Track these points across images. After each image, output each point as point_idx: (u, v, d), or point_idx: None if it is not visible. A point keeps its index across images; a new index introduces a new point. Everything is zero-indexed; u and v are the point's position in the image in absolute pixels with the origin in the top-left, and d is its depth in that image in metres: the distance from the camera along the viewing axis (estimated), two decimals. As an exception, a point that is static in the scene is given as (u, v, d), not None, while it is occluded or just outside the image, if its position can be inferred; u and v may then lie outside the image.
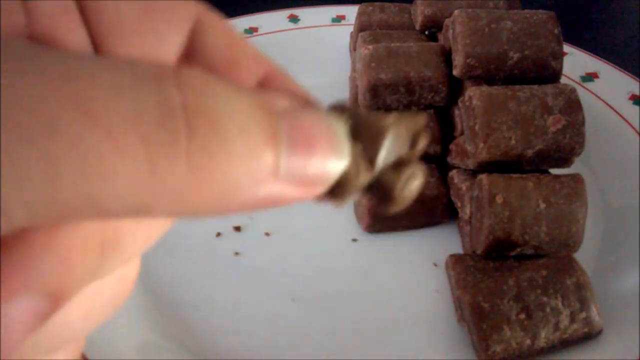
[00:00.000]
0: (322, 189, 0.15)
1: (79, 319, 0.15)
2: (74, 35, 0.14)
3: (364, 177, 0.16)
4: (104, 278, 0.14)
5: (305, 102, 0.17)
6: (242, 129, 0.13)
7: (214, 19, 0.17)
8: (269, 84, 0.17)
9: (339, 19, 0.64)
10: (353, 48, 0.55)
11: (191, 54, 0.17)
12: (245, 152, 0.13)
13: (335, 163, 0.15)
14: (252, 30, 0.62)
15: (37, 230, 0.12)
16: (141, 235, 0.15)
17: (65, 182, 0.11)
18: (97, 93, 0.11)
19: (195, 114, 0.12)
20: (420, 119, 0.18)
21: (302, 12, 0.65)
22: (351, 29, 0.59)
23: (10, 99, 0.11)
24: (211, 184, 0.12)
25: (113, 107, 0.11)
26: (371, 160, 0.16)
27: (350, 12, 0.62)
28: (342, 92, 0.55)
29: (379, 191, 0.17)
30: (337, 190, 0.16)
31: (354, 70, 0.51)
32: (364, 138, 0.16)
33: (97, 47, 0.15)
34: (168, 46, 0.16)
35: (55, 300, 0.12)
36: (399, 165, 0.17)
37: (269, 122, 0.13)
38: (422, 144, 0.18)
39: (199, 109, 0.12)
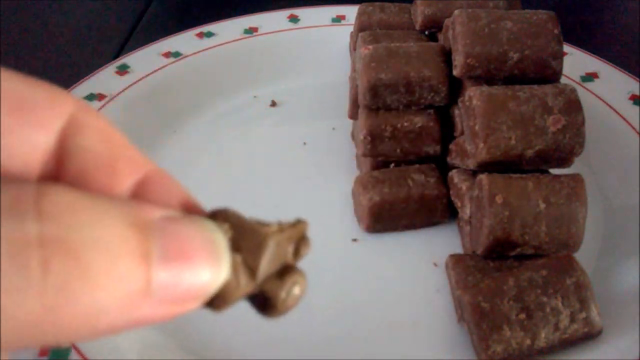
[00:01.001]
0: (198, 303, 0.15)
1: None
2: None
3: (245, 287, 0.16)
4: None
5: (187, 208, 0.16)
6: (107, 255, 0.12)
7: (92, 117, 0.16)
8: (148, 187, 0.16)
9: (339, 19, 0.64)
10: (353, 48, 0.55)
11: (64, 154, 0.15)
12: (111, 277, 0.12)
13: (213, 276, 0.14)
14: (252, 30, 0.62)
15: None
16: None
17: None
18: None
19: (53, 246, 0.11)
20: (302, 226, 0.18)
21: (302, 12, 0.64)
22: (351, 29, 0.59)
23: None
24: (72, 318, 0.12)
25: None
26: (252, 269, 0.16)
27: (350, 12, 0.62)
28: (342, 92, 0.55)
29: (262, 299, 0.18)
30: (216, 301, 0.16)
31: (354, 70, 0.51)
32: (245, 247, 0.16)
33: None
34: (34, 146, 0.15)
35: None
36: (281, 272, 0.17)
37: (139, 240, 0.13)
38: (305, 251, 0.18)
39: (57, 240, 0.11)
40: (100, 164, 0.16)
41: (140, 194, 0.16)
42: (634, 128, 0.50)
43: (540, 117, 0.37)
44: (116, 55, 0.64)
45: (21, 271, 0.11)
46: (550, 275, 0.35)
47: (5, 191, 0.12)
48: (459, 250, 0.43)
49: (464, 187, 0.41)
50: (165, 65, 0.57)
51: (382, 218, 0.44)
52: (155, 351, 0.37)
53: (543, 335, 0.33)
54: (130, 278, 0.12)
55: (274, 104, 0.57)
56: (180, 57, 0.58)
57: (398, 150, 0.45)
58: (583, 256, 0.37)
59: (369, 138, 0.44)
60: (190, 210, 0.16)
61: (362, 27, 0.53)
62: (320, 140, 0.54)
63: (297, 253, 0.18)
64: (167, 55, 0.59)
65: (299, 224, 0.18)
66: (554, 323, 0.34)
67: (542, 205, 0.36)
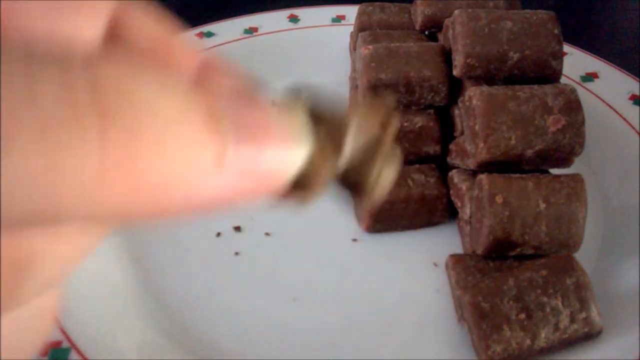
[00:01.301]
0: (281, 181, 0.13)
1: None
2: None
3: (332, 167, 0.14)
4: (16, 310, 0.12)
5: (254, 90, 0.14)
6: (174, 114, 0.11)
7: (139, 10, 0.15)
8: (207, 77, 0.15)
9: (339, 19, 0.64)
10: (353, 48, 0.55)
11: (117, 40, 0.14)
12: (178, 140, 0.11)
13: (293, 151, 0.13)
14: (252, 30, 0.62)
15: None
16: (61, 256, 0.12)
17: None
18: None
19: (108, 95, 0.10)
20: (388, 99, 0.16)
21: (302, 12, 0.64)
22: (351, 29, 0.59)
23: None
24: (136, 176, 0.10)
25: (3, 95, 0.09)
26: (337, 146, 0.14)
27: (350, 12, 0.62)
28: (342, 92, 0.55)
29: (351, 183, 0.15)
30: (302, 184, 0.13)
31: (354, 70, 0.51)
32: (328, 123, 0.14)
33: None
34: (81, 42, 0.13)
35: None
36: (370, 153, 0.15)
37: (209, 108, 0.11)
38: (394, 125, 0.16)
39: (112, 89, 0.10)
40: (154, 52, 0.15)
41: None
42: (634, 128, 0.50)
43: (540, 117, 0.37)
44: (116, 55, 0.64)
45: (74, 121, 0.09)
46: (550, 275, 0.35)
47: (47, 48, 0.10)
48: (459, 250, 0.43)
49: (464, 187, 0.41)
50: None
51: (382, 218, 0.44)
52: (155, 351, 0.37)
53: (543, 335, 0.33)
54: (200, 145, 0.11)
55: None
56: (180, 57, 0.58)
57: (398, 150, 0.45)
58: (583, 256, 0.37)
59: (369, 138, 0.44)
60: (259, 92, 0.14)
61: (362, 27, 0.53)
62: (320, 140, 0.53)
63: (385, 126, 0.15)
64: (167, 55, 0.58)
65: (383, 97, 0.16)
66: (554, 323, 0.34)
67: (542, 205, 0.36)
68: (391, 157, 0.15)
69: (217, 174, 0.11)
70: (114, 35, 0.14)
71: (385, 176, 0.15)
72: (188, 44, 0.15)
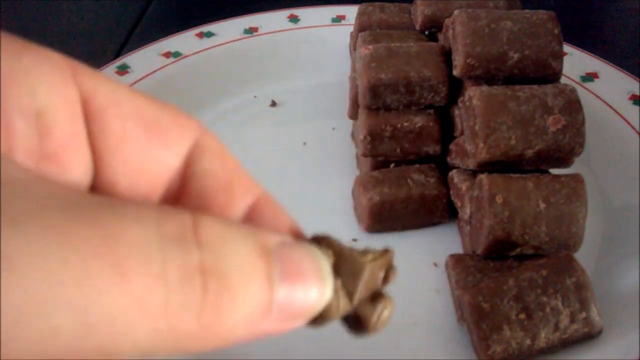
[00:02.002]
0: (306, 320, 0.16)
1: None
2: (80, 154, 0.15)
3: (343, 309, 0.18)
4: None
5: (293, 232, 0.18)
6: (245, 279, 0.14)
7: (212, 141, 0.17)
8: (260, 210, 0.18)
9: (339, 19, 0.64)
10: (353, 48, 0.55)
11: (188, 175, 0.17)
12: (245, 299, 0.14)
13: (320, 296, 0.16)
14: (252, 30, 0.62)
15: None
16: None
17: (87, 331, 0.11)
18: (128, 250, 0.12)
19: (211, 275, 0.13)
20: (390, 255, 0.20)
21: (302, 12, 0.64)
22: (351, 29, 0.59)
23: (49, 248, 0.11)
24: (216, 333, 0.14)
25: (142, 266, 0.12)
26: (350, 293, 0.18)
27: (350, 12, 0.62)
28: (342, 92, 0.55)
29: (354, 320, 0.19)
30: (318, 320, 0.17)
31: (354, 70, 0.51)
32: (344, 273, 0.18)
33: (97, 161, 0.16)
34: (164, 166, 0.17)
35: None
36: (373, 297, 0.19)
37: (266, 265, 0.14)
38: (393, 278, 0.20)
39: (214, 269, 0.14)
40: (219, 187, 0.17)
41: (253, 217, 0.18)
42: (634, 128, 0.50)
43: (540, 117, 0.37)
44: (116, 55, 0.64)
45: (188, 296, 0.13)
46: (550, 275, 0.35)
47: (169, 220, 0.13)
48: (459, 250, 0.43)
49: (464, 187, 0.41)
50: (165, 65, 0.57)
51: (382, 218, 0.44)
52: (155, 351, 0.37)
53: (543, 335, 0.33)
54: (258, 298, 0.14)
55: (274, 104, 0.57)
56: (180, 57, 0.58)
57: (398, 150, 0.45)
58: (583, 256, 0.37)
59: (369, 138, 0.44)
60: (295, 234, 0.18)
61: (362, 27, 0.53)
62: (320, 140, 0.54)
63: (386, 280, 0.20)
64: (167, 55, 0.59)
65: (387, 253, 0.20)
66: (554, 323, 0.34)
67: (542, 205, 0.36)
68: (389, 303, 0.20)
69: (266, 317, 0.15)
70: (191, 161, 0.17)
71: (383, 318, 0.20)
72: (249, 177, 0.18)
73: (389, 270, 0.20)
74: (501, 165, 0.38)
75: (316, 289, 0.16)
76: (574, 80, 0.55)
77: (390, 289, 0.44)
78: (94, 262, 0.11)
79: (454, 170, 0.43)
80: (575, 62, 0.56)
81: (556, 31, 0.40)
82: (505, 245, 0.36)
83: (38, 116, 0.14)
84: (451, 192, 0.43)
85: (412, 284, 0.41)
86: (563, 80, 0.42)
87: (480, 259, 0.38)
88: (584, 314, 0.34)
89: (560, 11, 0.44)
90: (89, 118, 0.15)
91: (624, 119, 0.51)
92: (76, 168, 0.15)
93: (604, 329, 0.35)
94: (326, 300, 0.16)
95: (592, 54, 0.58)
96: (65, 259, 0.11)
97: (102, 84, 0.15)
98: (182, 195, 0.17)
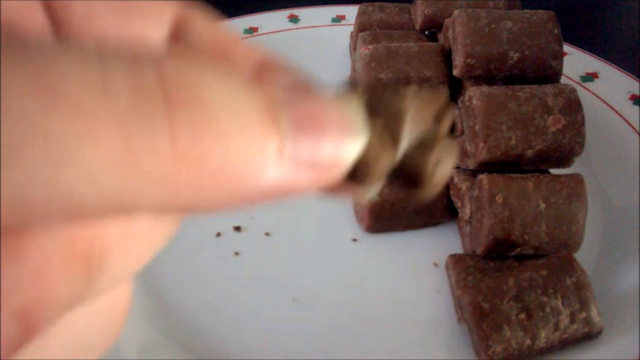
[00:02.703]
0: (338, 173, 0.13)
1: (61, 355, 0.12)
2: (35, 22, 0.13)
3: (388, 158, 0.14)
4: (88, 303, 0.12)
5: (308, 87, 0.14)
6: (235, 107, 0.11)
7: (198, 13, 0.16)
8: (264, 73, 0.16)
9: (339, 19, 0.64)
10: (353, 48, 0.55)
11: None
12: (241, 132, 0.11)
13: (349, 142, 0.13)
14: (252, 30, 0.62)
15: None
16: (133, 249, 0.12)
17: (26, 173, 0.09)
18: (62, 74, 0.10)
19: (176, 88, 0.10)
20: (442, 93, 0.16)
21: (302, 12, 0.65)
22: (351, 29, 0.59)
23: None
24: (203, 166, 0.11)
25: (79, 87, 0.10)
26: (394, 138, 0.14)
27: (350, 12, 0.62)
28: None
29: (407, 175, 0.15)
30: (358, 176, 0.14)
31: (354, 70, 0.51)
32: (383, 114, 0.14)
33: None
34: (147, 43, 0.14)
35: (28, 325, 0.10)
36: (425, 146, 0.15)
37: (269, 101, 0.12)
38: (449, 120, 0.15)
39: (179, 82, 0.10)
40: (214, 52, 0.15)
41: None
42: (634, 128, 0.50)
43: (540, 117, 0.37)
44: (116, 55, 0.64)
45: (147, 110, 0.10)
46: (550, 275, 0.34)
47: (117, 46, 0.11)
48: (459, 250, 0.43)
49: (464, 187, 0.41)
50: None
51: (382, 218, 0.44)
52: (155, 351, 0.37)
53: (543, 335, 0.33)
54: (262, 139, 0.11)
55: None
56: (180, 57, 0.58)
57: (398, 150, 0.45)
58: (583, 256, 0.37)
59: (369, 138, 0.44)
60: (313, 88, 0.14)
61: (362, 27, 0.53)
62: (320, 140, 0.53)
63: (441, 119, 0.15)
64: (167, 55, 0.59)
65: (437, 90, 0.16)
66: (554, 323, 0.34)
67: (542, 205, 0.36)
68: (447, 151, 0.15)
69: (278, 165, 0.12)
70: (177, 37, 0.15)
71: (441, 169, 0.15)
72: (247, 42, 0.16)
73: (442, 110, 0.15)
74: (501, 165, 0.38)
75: (342, 132, 0.13)
76: (574, 80, 0.55)
77: (390, 289, 0.44)
78: (20, 94, 0.09)
79: (454, 170, 0.43)
80: (575, 62, 0.56)
81: (556, 31, 0.40)
82: (505, 245, 0.36)
83: None
84: (451, 192, 0.43)
85: (412, 284, 0.41)
86: (563, 80, 0.42)
87: (480, 259, 0.38)
88: (584, 314, 0.34)
89: (560, 11, 0.44)
90: (50, 8, 0.13)
91: (624, 119, 0.51)
92: None
93: (604, 329, 0.35)
94: (359, 146, 0.13)
95: (592, 54, 0.58)
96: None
97: None
98: None
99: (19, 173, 0.09)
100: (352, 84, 0.15)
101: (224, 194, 0.11)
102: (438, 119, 0.15)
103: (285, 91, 0.12)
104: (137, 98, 0.10)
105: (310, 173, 0.12)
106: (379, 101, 0.14)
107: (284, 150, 0.12)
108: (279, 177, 0.12)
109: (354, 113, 0.13)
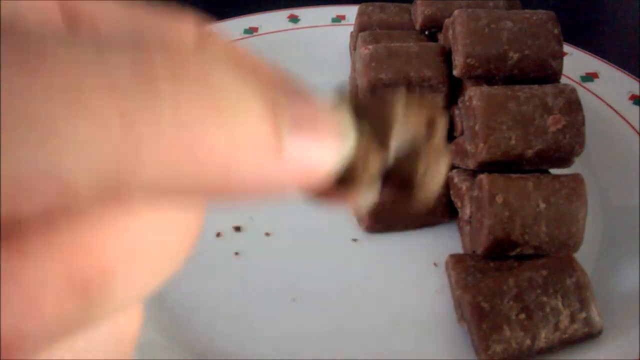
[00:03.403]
0: (325, 173, 0.13)
1: None
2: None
3: (377, 163, 0.14)
4: (88, 330, 0.12)
5: (304, 91, 0.14)
6: (240, 95, 0.11)
7: (215, 35, 0.16)
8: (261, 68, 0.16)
9: (339, 19, 0.64)
10: (353, 48, 0.55)
11: None
12: (244, 118, 0.11)
13: (338, 145, 0.13)
14: (252, 30, 0.62)
15: None
16: (141, 273, 0.12)
17: (15, 153, 0.08)
18: (54, 53, 0.09)
19: (181, 65, 0.10)
20: (435, 100, 0.15)
21: (302, 12, 0.64)
22: (351, 29, 0.59)
23: None
24: (203, 145, 0.10)
25: (70, 62, 0.09)
26: (383, 143, 0.14)
27: (350, 12, 0.62)
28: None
29: (399, 181, 0.15)
30: (348, 179, 0.14)
31: (354, 70, 0.51)
32: (373, 119, 0.14)
33: None
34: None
35: (11, 350, 0.09)
36: (417, 152, 0.15)
37: (270, 98, 0.12)
38: (441, 127, 0.16)
39: (185, 61, 0.10)
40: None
41: None
42: (634, 128, 0.50)
43: (540, 117, 0.37)
44: (116, 55, 0.64)
45: (147, 86, 0.10)
46: (550, 275, 0.34)
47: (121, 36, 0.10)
48: (459, 250, 0.43)
49: (464, 187, 0.41)
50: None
51: (382, 218, 0.44)
52: (156, 351, 0.37)
53: (543, 335, 0.33)
54: (261, 130, 0.11)
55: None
56: (180, 57, 0.58)
57: (398, 150, 0.45)
58: (583, 256, 0.37)
59: (369, 138, 0.44)
60: (305, 91, 0.15)
61: (362, 27, 0.53)
62: (320, 140, 0.53)
63: (432, 124, 0.15)
64: (167, 55, 0.58)
65: (428, 97, 0.16)
66: (554, 323, 0.34)
67: (542, 205, 0.36)
68: (440, 156, 0.15)
69: (274, 157, 0.12)
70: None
71: (433, 174, 0.15)
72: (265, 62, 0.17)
73: (434, 117, 0.15)
74: (501, 165, 0.38)
75: (331, 134, 0.13)
76: (574, 80, 0.55)
77: (390, 289, 0.44)
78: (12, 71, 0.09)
79: (454, 170, 0.43)
80: (575, 62, 0.56)
81: (556, 31, 0.40)
82: (505, 245, 0.36)
83: None
84: (451, 192, 0.43)
85: (412, 284, 0.41)
86: (563, 80, 0.42)
87: (480, 259, 0.38)
88: (584, 314, 0.34)
89: (560, 11, 0.44)
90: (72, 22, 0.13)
91: (624, 119, 0.51)
92: None
93: (604, 329, 0.35)
94: (346, 149, 0.13)
95: (592, 54, 0.58)
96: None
97: None
98: None
99: (7, 152, 0.08)
100: (344, 90, 0.15)
101: (219, 177, 0.11)
102: (430, 125, 0.15)
103: (284, 90, 0.13)
104: (139, 66, 0.10)
105: (299, 171, 0.13)
106: (369, 106, 0.14)
107: (281, 145, 0.12)
108: (272, 170, 0.12)
109: (343, 117, 0.14)
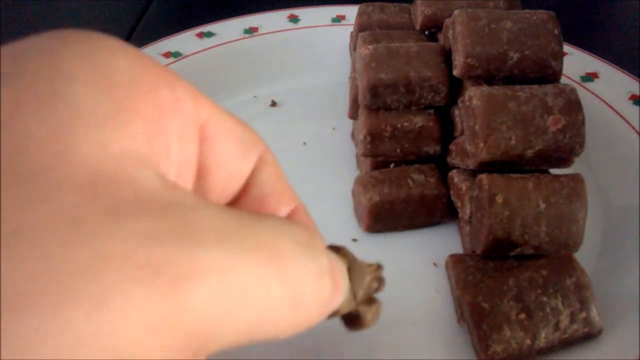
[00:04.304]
0: (329, 313, 0.21)
1: None
2: (190, 171, 0.19)
3: (347, 307, 0.23)
4: None
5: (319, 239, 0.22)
6: (339, 284, 0.21)
7: (270, 155, 0.22)
8: (295, 217, 0.24)
9: (339, 19, 0.64)
10: (353, 48, 0.55)
11: (249, 182, 0.21)
12: (319, 281, 0.19)
13: (341, 296, 0.21)
14: (252, 30, 0.62)
15: None
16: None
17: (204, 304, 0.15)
18: (284, 251, 0.17)
19: (335, 273, 0.20)
20: (381, 269, 0.28)
21: (302, 12, 0.64)
22: (351, 29, 0.59)
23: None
24: (303, 305, 0.18)
25: (295, 263, 0.17)
26: (355, 295, 0.23)
27: (350, 12, 0.62)
28: (342, 92, 0.55)
29: (352, 317, 0.25)
30: (330, 314, 0.22)
31: (354, 70, 0.51)
32: (352, 278, 0.23)
33: (201, 173, 0.20)
34: (243, 175, 0.21)
35: None
36: (367, 300, 0.25)
37: (328, 267, 0.20)
38: (382, 288, 0.27)
39: (336, 269, 0.20)
40: (273, 194, 0.22)
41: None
42: (634, 128, 0.50)
43: (540, 117, 0.37)
44: (116, 55, 0.64)
45: (323, 292, 0.19)
46: (550, 275, 0.35)
47: (302, 231, 0.19)
48: (459, 250, 0.43)
49: (464, 187, 0.41)
50: (166, 65, 0.57)
51: (382, 218, 0.44)
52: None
53: (543, 335, 0.33)
54: (328, 293, 0.20)
55: (274, 104, 0.57)
56: (180, 57, 0.58)
57: (398, 150, 0.45)
58: (583, 256, 0.37)
59: (369, 138, 0.44)
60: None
61: (362, 27, 0.53)
62: (320, 140, 0.54)
63: (377, 288, 0.27)
64: (167, 55, 0.59)
65: (379, 267, 0.27)
66: (554, 323, 0.34)
67: (542, 205, 0.36)
68: (380, 305, 0.27)
69: (325, 308, 0.20)
70: (255, 172, 0.22)
71: (375, 316, 0.26)
72: (291, 188, 0.24)
73: (380, 281, 0.27)
74: (501, 165, 0.38)
75: (342, 290, 0.21)
76: (574, 80, 0.55)
77: (390, 289, 0.44)
78: (264, 264, 0.16)
79: (454, 170, 0.43)
80: (575, 62, 0.56)
81: (556, 31, 0.40)
82: (505, 245, 0.36)
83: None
84: (451, 192, 0.43)
85: (412, 284, 0.41)
86: (563, 80, 0.42)
87: (480, 259, 0.38)
88: (584, 314, 0.34)
89: (560, 11, 0.44)
90: (202, 141, 0.19)
91: (624, 119, 0.51)
92: (186, 182, 0.19)
93: (604, 329, 0.35)
94: (343, 299, 0.22)
95: (592, 54, 0.58)
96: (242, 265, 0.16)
97: (213, 112, 0.19)
98: (241, 199, 0.21)
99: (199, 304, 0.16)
100: (336, 247, 0.24)
101: (298, 325, 0.19)
102: (377, 287, 0.26)
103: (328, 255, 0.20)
104: (320, 280, 0.19)
105: (324, 313, 0.20)
106: (351, 268, 0.23)
107: (330, 299, 0.20)
108: (317, 316, 0.20)
109: (346, 277, 0.22)
